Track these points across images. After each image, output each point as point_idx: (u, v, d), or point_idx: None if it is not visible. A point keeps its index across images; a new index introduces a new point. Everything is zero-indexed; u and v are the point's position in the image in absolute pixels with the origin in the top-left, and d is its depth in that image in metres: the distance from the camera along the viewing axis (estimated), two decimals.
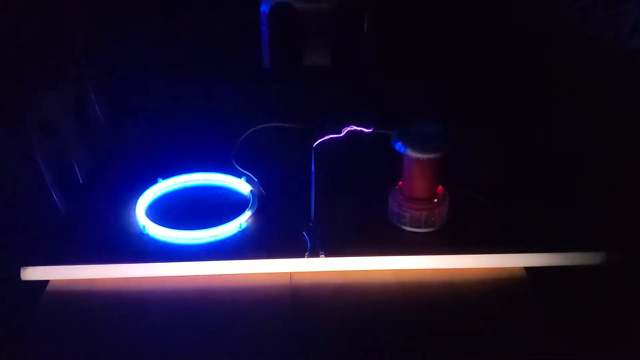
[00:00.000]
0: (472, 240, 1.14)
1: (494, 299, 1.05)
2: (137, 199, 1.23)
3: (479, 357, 0.95)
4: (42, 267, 1.07)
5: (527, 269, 1.09)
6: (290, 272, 1.09)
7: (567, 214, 1.21)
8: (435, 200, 1.17)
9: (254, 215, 1.21)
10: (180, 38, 2.21)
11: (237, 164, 1.34)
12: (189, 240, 1.15)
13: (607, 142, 1.46)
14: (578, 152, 1.52)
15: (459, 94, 1.74)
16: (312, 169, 1.15)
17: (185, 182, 1.30)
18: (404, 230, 1.17)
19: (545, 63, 1.89)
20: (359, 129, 1.17)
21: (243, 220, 1.19)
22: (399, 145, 1.13)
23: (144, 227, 1.17)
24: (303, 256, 1.09)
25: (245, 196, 1.26)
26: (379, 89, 1.73)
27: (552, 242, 1.11)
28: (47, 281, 1.07)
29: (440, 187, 1.19)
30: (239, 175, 1.31)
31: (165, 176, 1.29)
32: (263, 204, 1.24)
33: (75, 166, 1.42)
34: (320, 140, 1.13)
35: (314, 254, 1.09)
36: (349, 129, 1.16)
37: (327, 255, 1.09)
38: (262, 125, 1.48)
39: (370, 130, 1.18)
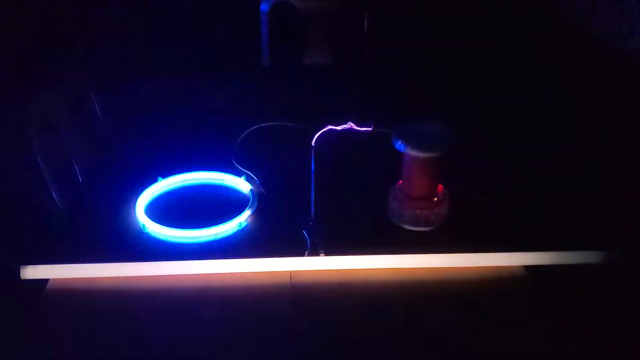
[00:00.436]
0: (472, 239, 1.14)
1: (494, 297, 1.05)
2: (137, 197, 1.23)
3: (478, 356, 0.95)
4: (41, 266, 1.07)
5: (527, 267, 1.09)
6: (290, 271, 1.09)
7: (567, 213, 1.21)
8: (435, 199, 1.17)
9: (253, 214, 1.21)
10: (181, 37, 2.21)
11: (237, 163, 1.34)
12: (188, 239, 1.15)
13: (607, 142, 1.46)
14: (578, 152, 1.52)
15: (459, 93, 1.73)
16: (312, 168, 1.15)
17: (185, 180, 1.30)
18: (404, 229, 1.17)
19: (545, 63, 1.89)
20: (358, 128, 1.17)
21: (243, 219, 1.18)
22: (399, 144, 1.13)
23: (143, 225, 1.17)
24: (303, 255, 1.09)
25: (245, 195, 1.26)
26: (379, 88, 1.73)
27: (551, 240, 1.11)
28: (46, 280, 1.07)
29: (440, 186, 1.19)
30: (238, 174, 1.31)
31: (165, 175, 1.29)
32: (263, 203, 1.23)
33: (75, 165, 1.42)
34: (319, 133, 1.13)
35: (314, 252, 1.09)
36: (349, 127, 1.16)
37: (327, 254, 1.09)
38: (262, 124, 1.48)
39: (370, 129, 1.18)
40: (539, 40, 1.98)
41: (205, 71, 2.05)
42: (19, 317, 1.05)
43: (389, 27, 2.09)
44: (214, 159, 1.35)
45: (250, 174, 1.31)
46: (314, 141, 1.13)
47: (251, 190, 1.26)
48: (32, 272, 1.07)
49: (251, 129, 1.46)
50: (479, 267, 1.09)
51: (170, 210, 1.23)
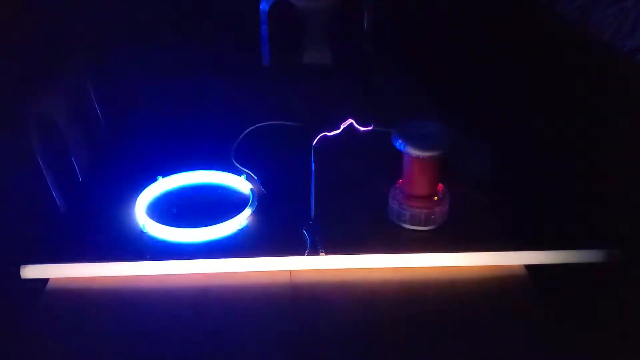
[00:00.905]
0: (472, 238, 1.14)
1: (494, 296, 1.05)
2: (137, 197, 1.23)
3: (478, 355, 0.95)
4: (41, 266, 1.07)
5: (527, 266, 1.09)
6: (290, 270, 1.08)
7: (567, 212, 1.21)
8: (435, 198, 1.17)
9: (253, 213, 1.21)
10: (181, 37, 2.21)
11: (237, 162, 1.34)
12: (188, 238, 1.15)
13: (607, 142, 1.46)
14: (578, 151, 1.52)
15: (459, 92, 1.73)
16: (312, 167, 1.15)
17: (184, 180, 1.30)
18: (404, 228, 1.17)
19: (545, 62, 1.89)
20: (358, 127, 1.17)
21: (243, 219, 1.18)
22: (399, 143, 1.13)
23: (143, 225, 1.17)
24: (303, 254, 1.09)
25: (245, 194, 1.26)
26: (379, 87, 1.73)
27: (552, 239, 1.11)
28: (47, 279, 1.07)
29: (440, 185, 1.19)
30: (238, 173, 1.31)
31: (165, 174, 1.29)
32: (263, 202, 1.23)
33: (75, 164, 1.42)
34: (317, 138, 1.13)
35: (314, 252, 1.09)
36: (348, 126, 1.16)
37: (327, 253, 1.09)
38: (262, 123, 1.48)
39: (370, 128, 1.18)
40: (538, 40, 1.98)
41: (205, 70, 2.05)
42: (19, 317, 1.05)
43: (389, 27, 2.09)
44: (214, 159, 1.35)
45: (251, 173, 1.31)
46: (314, 141, 1.13)
47: (251, 189, 1.26)
48: (32, 271, 1.07)
49: (251, 128, 1.46)
50: (479, 266, 1.09)
51: (170, 209, 1.23)
